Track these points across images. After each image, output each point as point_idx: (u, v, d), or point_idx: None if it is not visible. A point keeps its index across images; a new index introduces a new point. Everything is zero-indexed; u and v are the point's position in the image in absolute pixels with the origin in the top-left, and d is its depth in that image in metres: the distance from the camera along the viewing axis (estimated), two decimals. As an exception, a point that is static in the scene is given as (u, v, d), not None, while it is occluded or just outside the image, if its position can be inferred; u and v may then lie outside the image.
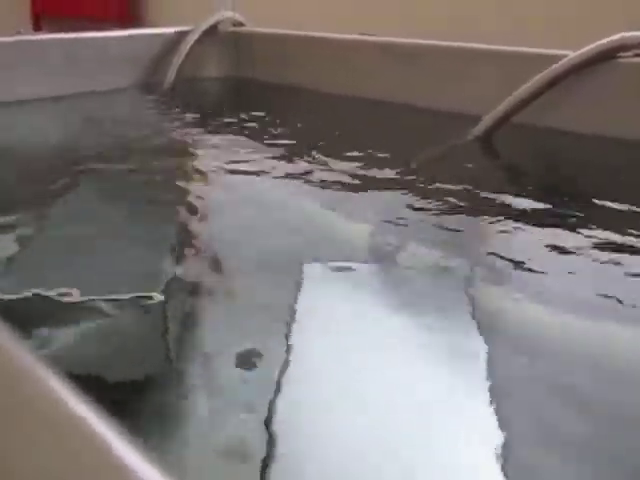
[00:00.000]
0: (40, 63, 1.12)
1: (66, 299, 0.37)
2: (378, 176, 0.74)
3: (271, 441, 0.32)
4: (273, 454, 0.32)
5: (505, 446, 0.32)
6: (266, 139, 0.90)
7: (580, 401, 0.37)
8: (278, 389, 0.36)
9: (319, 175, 0.75)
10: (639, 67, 0.82)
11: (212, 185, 0.75)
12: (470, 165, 0.82)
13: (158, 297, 0.38)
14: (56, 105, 1.11)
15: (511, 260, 0.54)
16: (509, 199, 0.67)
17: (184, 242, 0.52)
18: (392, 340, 0.42)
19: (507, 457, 0.32)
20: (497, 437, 0.33)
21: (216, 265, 0.54)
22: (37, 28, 2.60)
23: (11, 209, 0.62)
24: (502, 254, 0.55)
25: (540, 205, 0.66)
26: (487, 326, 0.43)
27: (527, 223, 0.61)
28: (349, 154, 0.82)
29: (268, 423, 0.34)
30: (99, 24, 2.05)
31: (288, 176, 0.75)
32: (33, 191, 0.70)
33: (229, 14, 1.32)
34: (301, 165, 0.78)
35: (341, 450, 0.32)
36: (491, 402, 0.35)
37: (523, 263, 0.53)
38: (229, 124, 0.99)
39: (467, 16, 1.44)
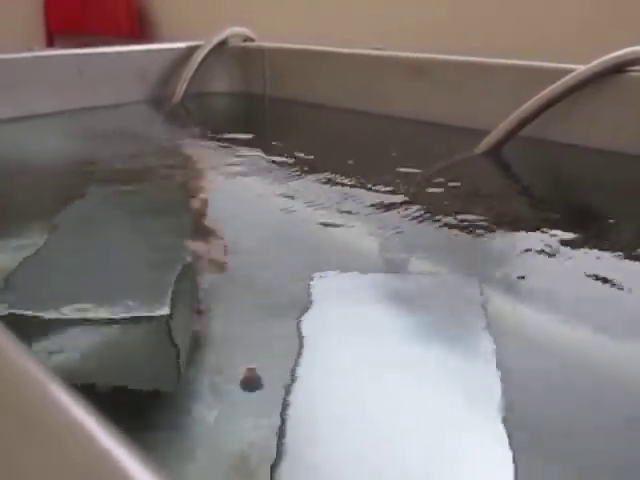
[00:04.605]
0: (51, 78, 1.13)
1: (71, 313, 0.37)
2: (387, 189, 0.73)
3: (279, 457, 0.32)
4: (280, 471, 0.31)
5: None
6: (276, 154, 0.90)
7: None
8: (285, 406, 0.36)
9: (327, 189, 0.75)
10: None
11: (220, 199, 0.75)
12: (478, 178, 0.82)
13: (164, 311, 0.38)
14: (65, 120, 1.12)
15: (523, 275, 0.54)
16: (519, 212, 0.67)
17: (192, 256, 0.51)
18: (406, 357, 0.41)
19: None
20: (507, 456, 0.32)
21: (224, 278, 0.54)
22: (50, 45, 2.62)
23: (17, 222, 0.63)
24: (514, 268, 0.55)
25: (552, 219, 0.65)
26: (501, 341, 0.42)
27: (538, 237, 0.61)
28: (357, 167, 0.82)
29: (279, 438, 0.33)
30: (111, 40, 2.07)
31: (298, 190, 0.75)
32: (38, 204, 0.71)
33: (239, 29, 1.33)
34: (310, 179, 0.78)
35: (349, 469, 0.32)
36: (507, 427, 0.35)
37: (535, 278, 0.53)
38: (239, 139, 0.99)
39: (470, 19, 1.44)
